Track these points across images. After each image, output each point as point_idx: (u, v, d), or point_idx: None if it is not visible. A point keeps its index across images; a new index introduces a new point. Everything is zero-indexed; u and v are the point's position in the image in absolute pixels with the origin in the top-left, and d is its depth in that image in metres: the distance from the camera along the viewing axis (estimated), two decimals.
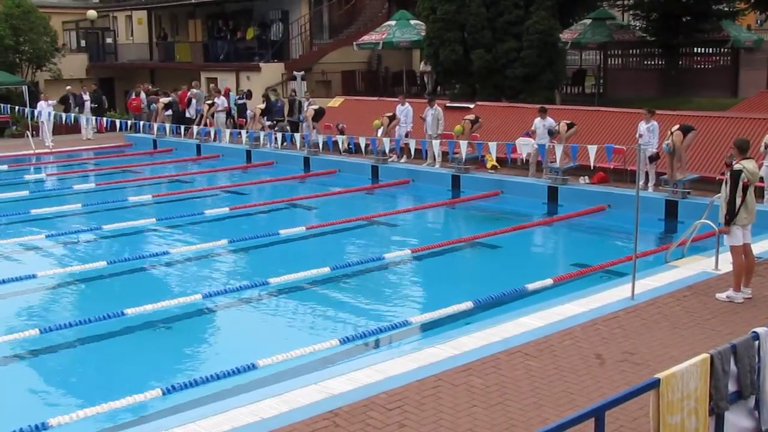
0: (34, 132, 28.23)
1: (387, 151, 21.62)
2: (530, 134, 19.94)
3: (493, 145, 18.53)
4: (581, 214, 16.51)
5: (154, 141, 28.23)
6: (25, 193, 19.98)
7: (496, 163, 20.44)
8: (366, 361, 8.39)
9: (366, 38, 32.47)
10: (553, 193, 18.10)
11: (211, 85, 33.46)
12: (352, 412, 7.06)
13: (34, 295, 12.03)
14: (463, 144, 19.25)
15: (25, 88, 32.17)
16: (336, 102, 29.03)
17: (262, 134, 25.26)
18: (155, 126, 27.67)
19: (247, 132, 25.27)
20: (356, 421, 6.91)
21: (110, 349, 9.82)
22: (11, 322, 10.61)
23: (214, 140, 26.19)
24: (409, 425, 6.83)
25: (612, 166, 18.35)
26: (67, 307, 11.79)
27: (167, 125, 27.50)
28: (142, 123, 27.59)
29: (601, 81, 33.02)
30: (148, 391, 7.82)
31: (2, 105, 29.85)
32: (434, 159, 21.19)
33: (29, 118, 29.13)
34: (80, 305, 11.80)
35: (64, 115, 28.84)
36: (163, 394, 7.80)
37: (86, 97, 32.33)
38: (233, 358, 8.77)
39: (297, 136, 23.63)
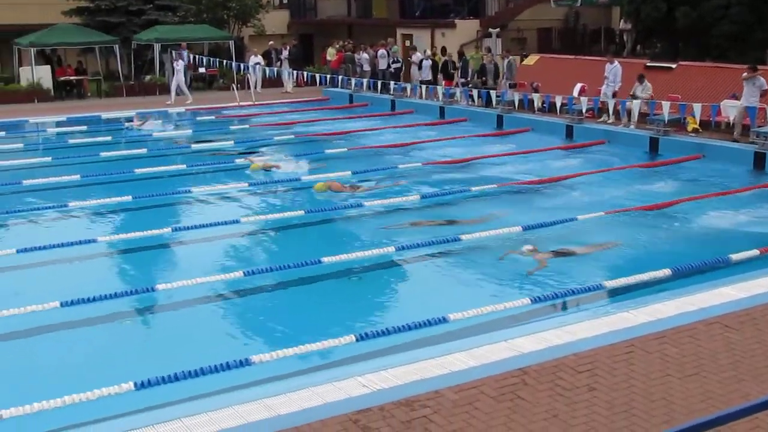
0: (238, 85, 29.59)
1: (583, 111, 21.14)
2: (736, 96, 18.88)
3: (697, 107, 17.68)
4: None
5: (350, 96, 28.89)
6: (230, 142, 21.07)
7: (697, 126, 19.51)
8: (556, 322, 8.33)
9: None
10: (760, 159, 17.08)
11: (407, 42, 33.79)
12: (541, 372, 7.05)
13: (238, 239, 12.72)
14: (666, 105, 18.49)
15: (231, 43, 33.77)
16: (531, 60, 28.56)
17: (457, 91, 25.30)
18: (352, 81, 28.29)
19: (443, 88, 25.39)
20: (545, 380, 6.89)
21: (307, 294, 10.25)
22: (219, 263, 11.31)
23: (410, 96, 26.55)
24: (600, 389, 6.74)
25: None
26: (268, 252, 12.40)
27: (364, 80, 28.04)
28: (339, 78, 28.33)
29: None
30: (342, 336, 8.11)
31: (211, 59, 31.46)
32: (629, 119, 20.55)
33: (235, 72, 30.54)
34: (280, 251, 12.39)
35: (267, 70, 30.09)
36: (357, 340, 8.07)
37: (285, 53, 33.55)
38: (424, 311, 8.93)
39: (492, 93, 23.50)
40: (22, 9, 33.60)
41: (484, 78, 26.12)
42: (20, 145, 21.51)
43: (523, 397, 6.63)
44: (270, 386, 7.00)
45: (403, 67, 30.63)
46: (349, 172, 16.86)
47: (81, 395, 6.82)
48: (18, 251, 11.50)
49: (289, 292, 10.34)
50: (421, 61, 29.14)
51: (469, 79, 26.73)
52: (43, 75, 30.85)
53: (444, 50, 30.22)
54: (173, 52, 30.99)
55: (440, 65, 28.65)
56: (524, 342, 7.64)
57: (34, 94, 29.73)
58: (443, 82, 27.34)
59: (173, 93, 28.81)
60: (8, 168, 17.93)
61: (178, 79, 28.84)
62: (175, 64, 28.96)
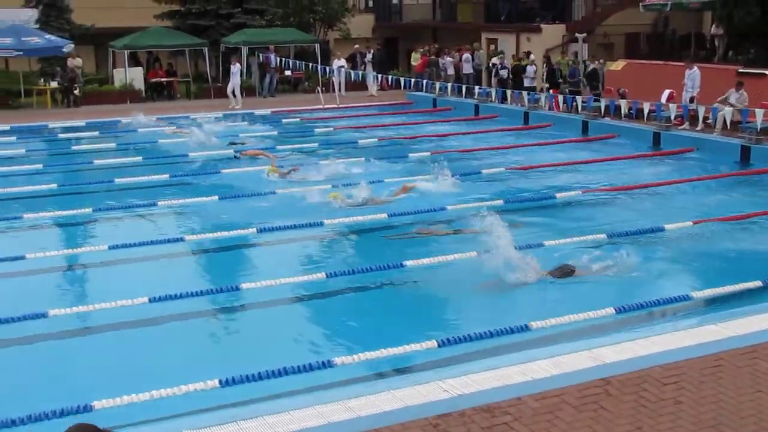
0: (323, 88, 29.90)
1: (672, 118, 20.73)
2: None
3: None
4: None
5: (434, 100, 28.90)
6: (314, 144, 21.31)
7: None
8: (641, 332, 8.17)
9: None
10: None
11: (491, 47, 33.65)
12: (625, 383, 6.94)
13: (319, 242, 12.86)
14: (759, 112, 17.98)
15: (317, 47, 34.15)
16: (618, 65, 28.11)
17: (543, 96, 25.08)
18: (437, 85, 28.29)
19: (528, 93, 25.20)
20: (629, 392, 6.78)
21: (387, 298, 10.29)
22: (301, 265, 11.47)
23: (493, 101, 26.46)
24: (686, 403, 6.60)
25: None
26: (348, 254, 12.50)
27: (448, 85, 28.02)
28: (424, 82, 28.38)
29: None
30: (423, 341, 8.11)
31: (297, 62, 31.89)
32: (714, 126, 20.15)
33: (320, 75, 30.89)
34: (361, 253, 12.48)
35: (351, 73, 30.35)
36: (438, 346, 8.07)
37: (369, 56, 33.80)
38: (505, 317, 8.88)
39: (578, 99, 23.22)
40: (118, 13, 34.66)
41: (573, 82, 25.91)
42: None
43: (606, 408, 6.54)
44: (351, 388, 7.06)
45: (510, 74, 30.07)
46: (429, 176, 16.86)
47: (168, 390, 7.00)
48: (109, 248, 11.86)
49: (371, 295, 10.39)
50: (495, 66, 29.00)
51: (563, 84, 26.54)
52: (135, 76, 31.75)
53: (528, 55, 30.02)
54: (260, 54, 31.54)
55: (545, 72, 28.39)
56: (608, 352, 7.52)
57: (127, 95, 30.58)
58: (548, 89, 26.94)
59: (239, 96, 29.20)
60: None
61: (234, 82, 29.27)
62: (232, 67, 29.44)
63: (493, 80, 30.29)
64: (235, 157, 19.92)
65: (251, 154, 19.96)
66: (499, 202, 14.64)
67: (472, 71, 30.89)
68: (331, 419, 6.31)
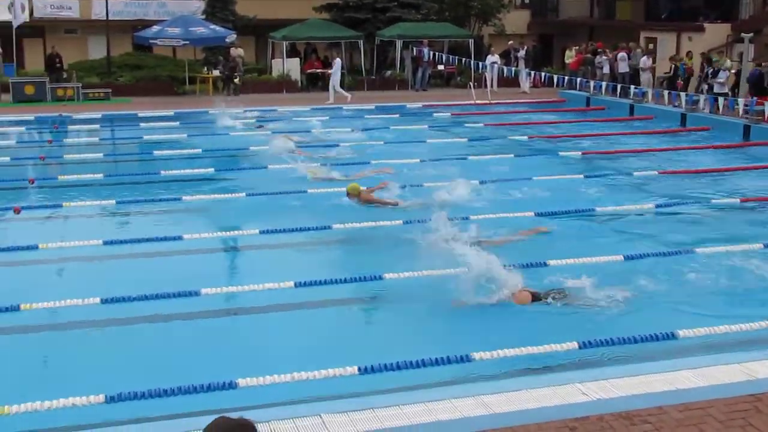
0: (475, 83, 29.85)
1: None
2: None
3: None
4: None
5: (587, 98, 28.32)
6: (464, 140, 21.31)
7: None
8: None
9: None
10: None
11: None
12: None
13: None
14: None
15: (471, 42, 34.09)
16: None
17: (702, 98, 24.13)
18: (591, 84, 27.71)
19: (686, 95, 24.30)
20: None
21: None
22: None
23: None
24: None
25: None
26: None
27: (603, 84, 27.40)
28: (577, 80, 27.85)
29: None
30: (564, 342, 7.97)
31: (450, 56, 31.95)
32: None
33: (473, 70, 30.85)
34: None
35: (505, 69, 30.16)
36: (580, 348, 7.92)
37: (522, 52, 33.46)
38: (650, 324, 8.61)
39: (740, 101, 22.20)
40: (278, 5, 35.70)
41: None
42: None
43: (755, 425, 6.24)
44: (488, 384, 7.05)
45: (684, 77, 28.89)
46: (582, 176, 16.57)
47: (309, 373, 7.18)
48: (260, 232, 12.25)
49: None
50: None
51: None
52: (292, 67, 32.68)
53: (689, 55, 28.93)
54: (414, 48, 31.80)
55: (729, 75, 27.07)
56: (760, 367, 7.18)
57: (284, 85, 31.50)
58: (752, 97, 25.58)
59: (340, 91, 29.41)
60: None
61: (334, 80, 29.52)
62: (332, 63, 29.72)
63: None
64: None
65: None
66: (650, 205, 14.21)
67: (627, 70, 30.04)
68: (465, 413, 6.31)
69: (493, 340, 8.08)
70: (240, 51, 31.40)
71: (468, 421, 6.22)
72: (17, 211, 13.34)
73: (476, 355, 7.60)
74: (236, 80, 30.75)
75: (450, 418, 6.24)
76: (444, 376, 7.41)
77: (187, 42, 31.11)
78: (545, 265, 10.60)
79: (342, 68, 30.29)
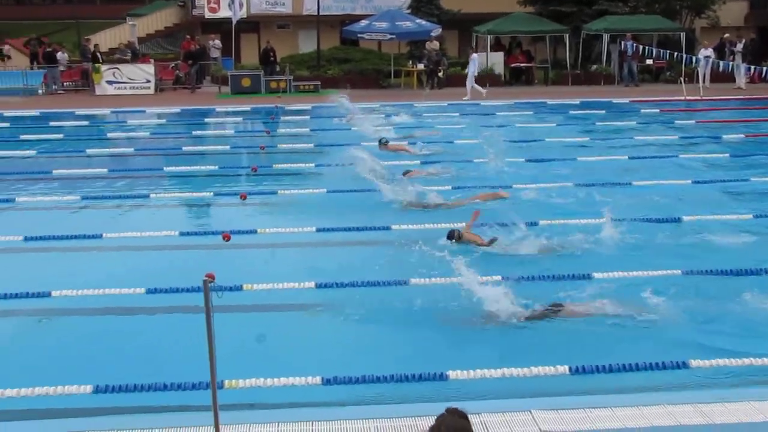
0: (686, 78, 28.63)
1: None
2: None
3: None
4: None
5: None
6: (675, 137, 20.51)
7: None
8: None
9: None
10: None
11: None
12: None
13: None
14: None
15: (682, 35, 32.74)
16: None
17: None
18: None
19: None
20: None
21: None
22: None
23: None
24: None
25: None
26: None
27: None
28: None
29: None
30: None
31: (660, 50, 30.82)
32: None
33: (684, 65, 29.63)
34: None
35: (721, 63, 28.73)
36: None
37: (740, 46, 31.75)
38: None
39: None
40: None
41: None
42: None
43: None
44: (706, 392, 6.81)
45: None
46: None
47: (519, 370, 7.20)
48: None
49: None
50: None
51: None
52: (496, 61, 32.65)
53: None
54: (621, 42, 30.95)
55: None
56: None
57: (486, 79, 31.51)
58: None
59: (475, 87, 28.82)
60: None
61: (470, 72, 29.02)
62: (470, 58, 29.05)
63: None
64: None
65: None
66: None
67: None
68: (682, 421, 6.15)
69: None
70: (435, 44, 31.71)
71: (685, 429, 6.08)
72: (243, 197, 14.08)
73: (694, 363, 7.34)
74: (440, 74, 31.10)
75: (667, 424, 6.12)
76: (659, 380, 7.21)
77: (394, 36, 31.79)
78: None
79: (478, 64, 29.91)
